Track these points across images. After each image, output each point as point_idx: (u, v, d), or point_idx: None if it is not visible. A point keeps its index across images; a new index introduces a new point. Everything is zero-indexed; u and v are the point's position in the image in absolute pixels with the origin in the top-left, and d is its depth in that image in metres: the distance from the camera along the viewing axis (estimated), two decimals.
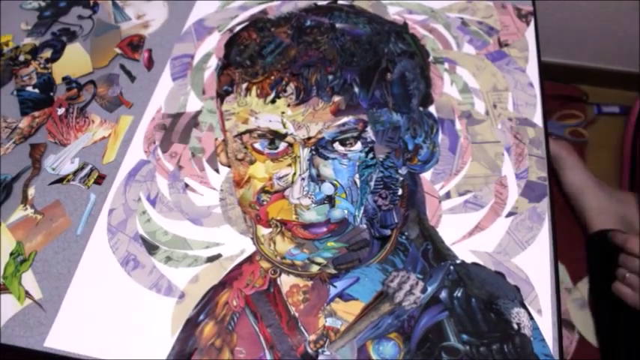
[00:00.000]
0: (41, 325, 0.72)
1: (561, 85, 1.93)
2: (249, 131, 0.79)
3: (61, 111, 0.93)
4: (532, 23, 0.98)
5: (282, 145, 0.77)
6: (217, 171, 0.83)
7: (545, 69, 0.93)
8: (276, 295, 0.70)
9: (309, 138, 0.76)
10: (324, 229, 0.73)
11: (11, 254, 0.78)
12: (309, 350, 0.65)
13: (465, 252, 0.72)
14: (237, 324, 0.68)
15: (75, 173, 0.86)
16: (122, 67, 0.99)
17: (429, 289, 0.68)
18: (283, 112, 0.77)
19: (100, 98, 0.95)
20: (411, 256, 0.71)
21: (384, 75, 0.83)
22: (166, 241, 0.77)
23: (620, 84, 1.94)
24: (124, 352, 0.68)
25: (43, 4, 1.13)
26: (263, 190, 0.76)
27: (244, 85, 0.83)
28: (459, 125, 0.84)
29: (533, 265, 0.71)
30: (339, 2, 1.00)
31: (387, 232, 0.73)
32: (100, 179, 0.85)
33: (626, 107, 1.88)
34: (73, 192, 0.83)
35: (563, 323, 1.10)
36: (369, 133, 0.78)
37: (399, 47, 0.89)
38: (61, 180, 0.85)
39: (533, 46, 0.95)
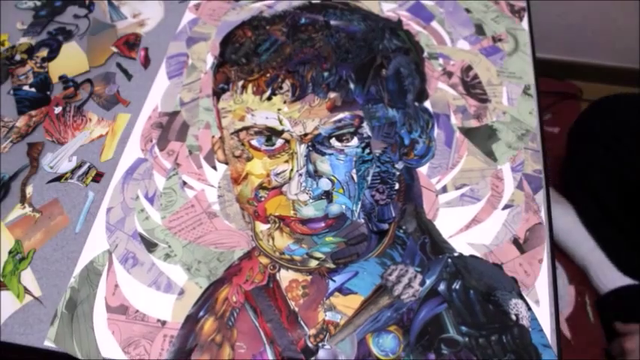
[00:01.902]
0: (41, 323, 0.72)
1: (556, 82, 1.94)
2: (246, 128, 0.79)
3: (58, 109, 0.93)
4: (525, 18, 0.99)
5: (279, 142, 0.78)
6: (215, 168, 0.84)
7: (539, 65, 0.93)
8: (275, 290, 0.70)
9: (306, 134, 0.77)
10: (322, 225, 0.73)
11: (10, 252, 0.78)
12: (310, 344, 0.66)
13: (462, 245, 0.72)
14: (237, 319, 0.69)
15: (73, 171, 0.86)
16: (119, 65, 0.99)
17: (428, 281, 0.68)
18: (279, 109, 0.78)
19: (97, 97, 0.95)
20: (409, 250, 0.71)
21: (379, 71, 0.83)
22: (165, 239, 0.77)
23: (614, 80, 1.95)
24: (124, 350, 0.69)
25: (38, 3, 1.13)
26: (261, 187, 0.76)
27: (240, 83, 0.83)
28: (454, 120, 0.84)
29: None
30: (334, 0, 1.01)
31: (385, 226, 0.74)
32: (97, 177, 0.85)
33: None
34: (71, 190, 0.84)
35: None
36: (366, 129, 0.78)
37: (394, 43, 0.89)
38: (58, 178, 0.85)
39: (527, 40, 0.95)
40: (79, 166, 0.86)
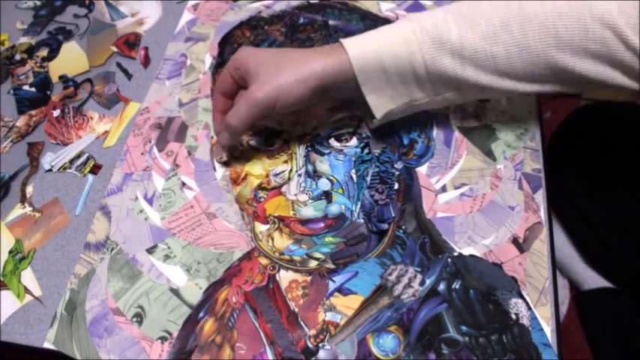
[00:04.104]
0: (41, 323, 0.72)
1: None
2: None
3: (56, 113, 0.93)
4: None
5: (278, 142, 0.78)
6: (214, 169, 0.83)
7: None
8: (275, 291, 0.70)
9: (305, 134, 0.77)
10: (322, 225, 0.73)
11: (10, 252, 0.79)
12: (310, 345, 0.66)
13: (462, 244, 0.72)
14: (237, 320, 0.69)
15: (71, 161, 0.86)
16: (119, 65, 0.99)
17: (427, 281, 0.68)
18: None
19: (97, 96, 0.95)
20: (408, 250, 0.71)
21: None
22: (164, 239, 0.77)
23: None
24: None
25: (38, 3, 1.13)
26: (260, 187, 0.77)
27: None
28: (453, 119, 0.84)
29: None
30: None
31: (385, 226, 0.74)
32: (95, 169, 0.85)
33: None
34: (71, 190, 0.84)
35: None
36: (365, 129, 0.78)
37: None
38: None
39: None
40: (77, 157, 0.86)
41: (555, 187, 1.33)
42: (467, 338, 0.64)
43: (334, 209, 0.74)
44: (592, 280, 1.37)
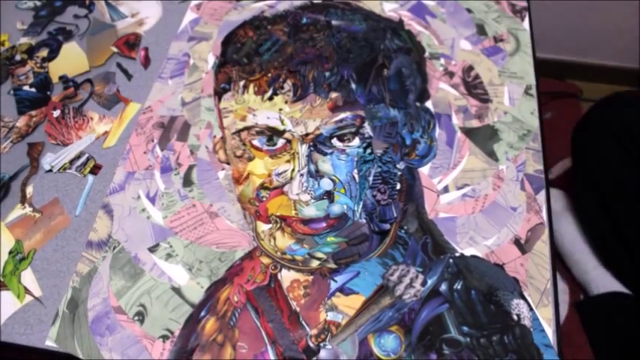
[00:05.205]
0: (41, 323, 0.72)
1: (556, 82, 1.94)
2: (248, 128, 0.79)
3: (56, 113, 0.92)
4: (527, 18, 0.98)
5: (281, 142, 0.78)
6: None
7: (539, 65, 0.93)
8: (277, 291, 0.70)
9: (307, 134, 0.76)
10: (324, 225, 0.73)
11: (10, 253, 0.78)
12: (311, 344, 0.66)
13: (463, 245, 0.72)
14: (238, 319, 0.69)
15: (71, 162, 0.86)
16: (119, 65, 0.99)
17: (429, 281, 0.68)
18: (281, 109, 0.78)
19: (97, 96, 0.95)
20: (410, 250, 0.71)
21: (380, 71, 0.83)
22: (166, 238, 0.77)
23: (614, 80, 1.94)
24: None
25: (38, 3, 1.13)
26: (262, 187, 0.76)
27: (242, 83, 0.83)
28: (455, 120, 0.84)
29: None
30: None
31: (387, 226, 0.74)
32: (95, 169, 0.85)
33: None
34: (71, 190, 0.84)
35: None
36: (367, 129, 0.78)
37: (395, 43, 0.89)
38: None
39: (528, 41, 0.95)
40: (77, 157, 0.86)
41: (578, 176, 1.33)
42: (468, 339, 0.64)
43: (336, 209, 0.73)
44: (599, 279, 1.36)
